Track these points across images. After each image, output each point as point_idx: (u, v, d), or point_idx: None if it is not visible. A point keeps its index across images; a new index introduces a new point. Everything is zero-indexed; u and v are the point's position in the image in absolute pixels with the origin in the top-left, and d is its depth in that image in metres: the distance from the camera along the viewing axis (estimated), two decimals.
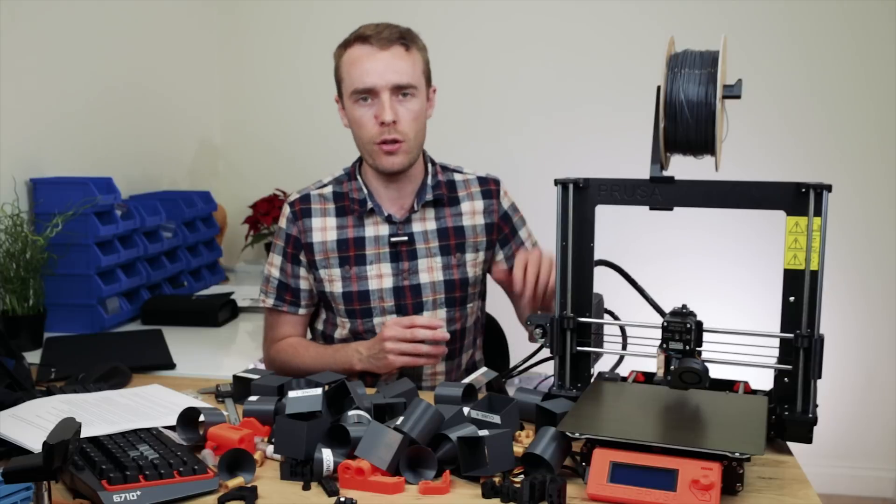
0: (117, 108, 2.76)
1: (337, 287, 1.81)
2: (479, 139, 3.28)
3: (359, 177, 1.84)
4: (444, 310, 1.83)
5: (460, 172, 1.89)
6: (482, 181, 1.88)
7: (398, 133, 1.72)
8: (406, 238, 1.81)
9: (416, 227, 1.82)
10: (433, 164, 1.87)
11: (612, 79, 3.23)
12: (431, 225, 1.83)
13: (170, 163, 3.17)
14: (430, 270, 1.82)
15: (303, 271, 1.85)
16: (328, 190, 1.85)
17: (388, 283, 1.81)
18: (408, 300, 1.81)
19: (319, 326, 1.93)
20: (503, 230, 1.88)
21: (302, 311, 1.87)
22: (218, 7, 3.46)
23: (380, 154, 1.74)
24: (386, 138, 1.72)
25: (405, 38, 1.74)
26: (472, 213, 1.86)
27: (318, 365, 1.74)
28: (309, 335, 1.98)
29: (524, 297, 1.64)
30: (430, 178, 1.84)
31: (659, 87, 1.28)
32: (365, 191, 1.82)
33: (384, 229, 1.81)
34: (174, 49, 3.17)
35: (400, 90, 1.72)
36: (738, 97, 1.26)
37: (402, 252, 1.81)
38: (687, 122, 1.26)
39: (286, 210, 1.86)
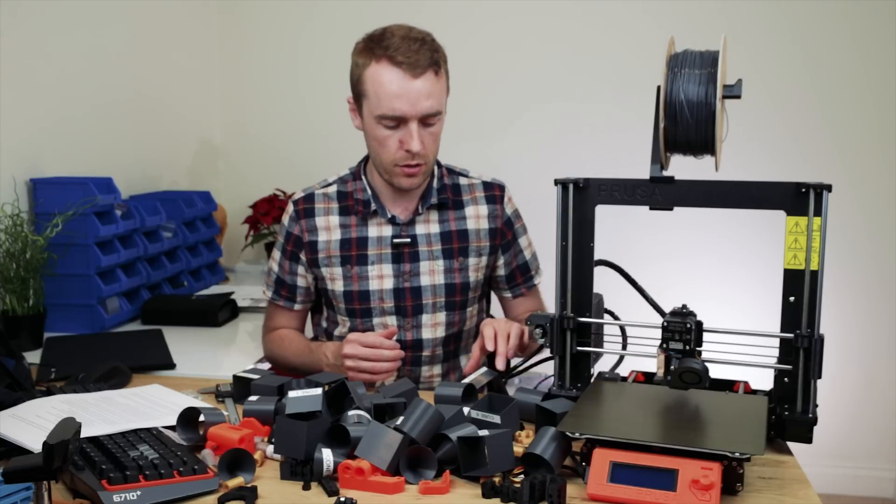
0: (117, 108, 2.76)
1: (338, 286, 1.82)
2: (478, 139, 3.28)
3: (363, 177, 1.83)
4: (444, 313, 1.82)
5: (466, 176, 1.88)
6: (487, 186, 1.88)
7: (420, 158, 1.71)
8: (409, 240, 1.80)
9: (420, 229, 1.82)
10: (439, 166, 1.87)
11: (612, 78, 3.23)
12: (435, 228, 1.83)
13: (170, 163, 3.16)
14: (431, 273, 1.81)
15: (301, 269, 1.85)
16: (332, 189, 1.85)
17: (388, 284, 1.80)
18: (408, 302, 1.81)
19: (323, 324, 1.94)
20: (506, 236, 1.88)
21: (297, 306, 1.89)
22: (217, 7, 3.45)
23: (400, 175, 1.73)
24: (410, 163, 1.71)
25: (436, 62, 1.68)
26: (476, 217, 1.85)
27: (298, 359, 1.79)
28: (310, 332, 1.98)
29: (499, 360, 1.60)
30: (435, 181, 1.83)
31: (659, 87, 1.28)
32: (369, 192, 1.81)
33: (387, 230, 1.81)
34: (174, 49, 3.17)
35: (428, 117, 1.69)
36: (738, 97, 1.26)
37: (405, 254, 1.81)
38: (687, 122, 1.26)
39: (290, 208, 1.86)
